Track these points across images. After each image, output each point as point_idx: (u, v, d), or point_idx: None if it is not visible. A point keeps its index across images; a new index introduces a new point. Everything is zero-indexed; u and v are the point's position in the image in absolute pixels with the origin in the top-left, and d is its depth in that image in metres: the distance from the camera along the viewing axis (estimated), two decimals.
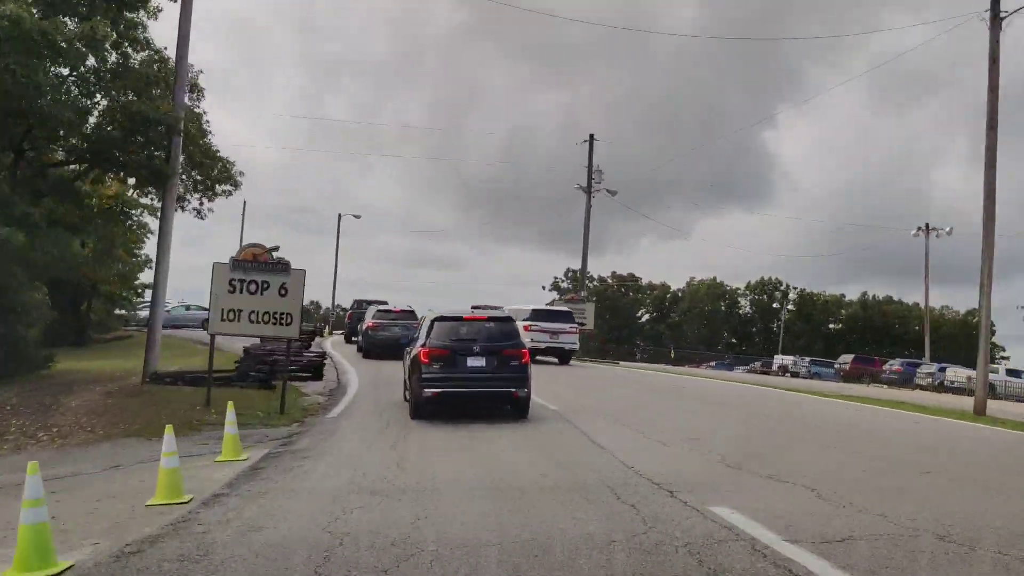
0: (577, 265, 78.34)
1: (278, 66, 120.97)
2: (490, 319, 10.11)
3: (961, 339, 58.13)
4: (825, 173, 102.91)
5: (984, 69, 13.94)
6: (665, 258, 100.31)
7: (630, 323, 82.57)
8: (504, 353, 9.49)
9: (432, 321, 9.98)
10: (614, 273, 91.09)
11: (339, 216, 37.11)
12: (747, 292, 79.48)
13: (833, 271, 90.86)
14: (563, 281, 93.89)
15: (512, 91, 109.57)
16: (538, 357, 20.15)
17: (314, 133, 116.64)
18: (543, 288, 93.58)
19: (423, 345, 9.62)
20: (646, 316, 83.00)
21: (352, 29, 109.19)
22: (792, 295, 78.53)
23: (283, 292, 10.24)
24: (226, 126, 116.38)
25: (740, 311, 79.27)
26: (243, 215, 39.89)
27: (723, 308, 77.28)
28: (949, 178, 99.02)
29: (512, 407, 9.94)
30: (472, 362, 9.33)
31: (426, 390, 9.22)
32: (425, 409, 9.60)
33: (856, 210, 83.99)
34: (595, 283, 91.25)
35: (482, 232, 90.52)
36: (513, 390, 9.39)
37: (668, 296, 79.75)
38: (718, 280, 79.47)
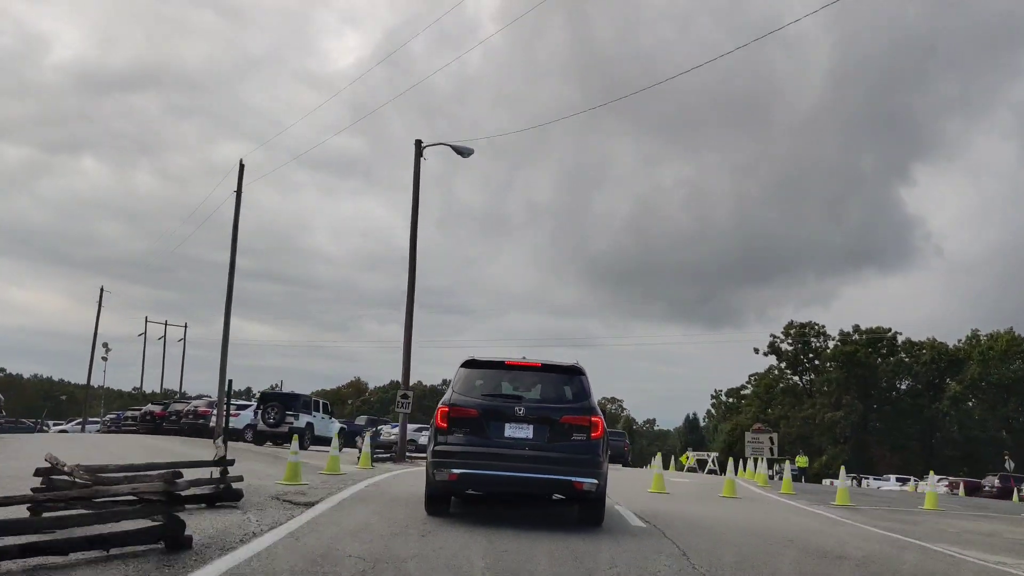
0: (815, 312, 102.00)
1: (406, 150, 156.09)
2: (547, 369, 9.17)
3: None
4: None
5: None
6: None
7: (890, 398, 78.02)
8: (563, 421, 8.56)
9: (460, 368, 9.26)
10: (858, 327, 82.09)
11: (418, 144, 24.54)
12: None
13: None
14: (782, 340, 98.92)
15: (637, 164, 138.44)
16: None
17: (444, 215, 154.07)
18: (756, 352, 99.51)
19: (444, 402, 8.85)
20: (906, 386, 79.48)
21: (475, 111, 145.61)
22: None
23: None
24: (363, 210, 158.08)
25: None
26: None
27: None
28: None
29: (579, 508, 9.08)
30: (512, 431, 8.50)
31: (443, 469, 8.43)
32: (440, 499, 8.97)
33: None
34: (834, 340, 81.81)
35: (613, 307, 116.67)
36: (574, 479, 8.36)
37: (943, 358, 76.96)
38: (1016, 333, 75.18)
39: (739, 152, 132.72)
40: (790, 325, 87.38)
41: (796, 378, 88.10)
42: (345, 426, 31.40)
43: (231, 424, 32.87)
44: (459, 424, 8.66)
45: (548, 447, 8.52)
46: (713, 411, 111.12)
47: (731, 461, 18.14)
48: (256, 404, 29.23)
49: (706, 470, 40.53)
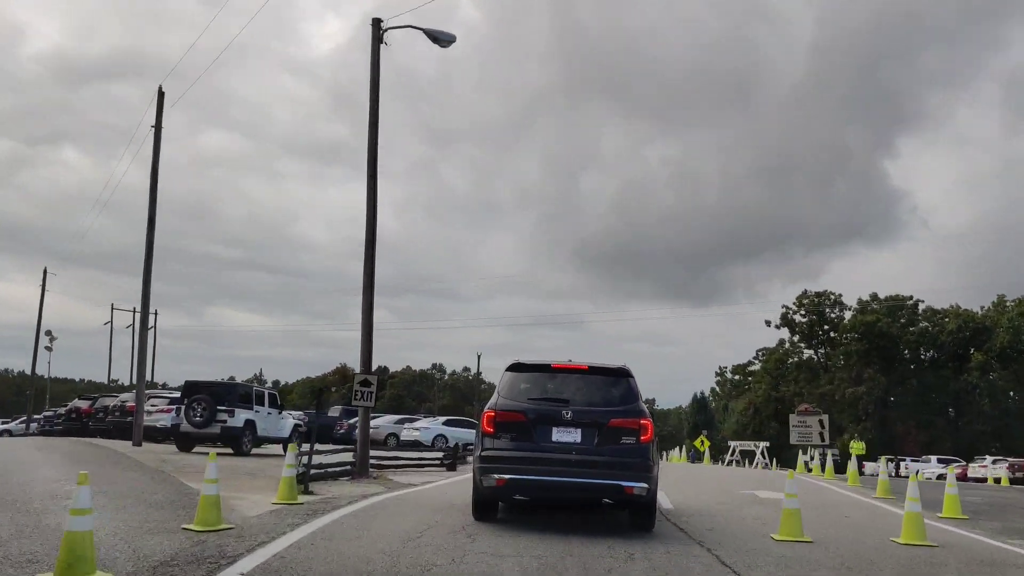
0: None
1: (392, 137, 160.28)
2: (593, 371, 8.92)
3: None
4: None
5: None
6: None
7: (914, 371, 72.06)
8: (611, 425, 8.34)
9: (506, 372, 9.10)
10: (875, 295, 76.49)
11: (376, 25, 18.19)
12: None
13: None
14: (794, 311, 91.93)
15: (622, 145, 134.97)
16: None
17: (432, 201, 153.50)
18: (768, 324, 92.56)
19: (490, 407, 8.72)
20: (929, 357, 73.16)
21: (459, 97, 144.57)
22: None
23: None
24: (350, 197, 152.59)
25: None
26: None
27: None
28: None
29: (629, 513, 8.92)
30: (559, 435, 8.30)
31: (490, 475, 8.30)
32: (488, 505, 8.87)
33: None
34: (851, 309, 75.57)
35: (603, 289, 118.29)
36: (624, 483, 8.11)
37: (969, 326, 70.60)
38: None
39: (725, 130, 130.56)
40: (803, 295, 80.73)
41: (810, 352, 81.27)
42: (301, 423, 24.34)
43: (161, 423, 25.70)
44: (506, 429, 8.49)
45: (596, 451, 8.32)
46: (718, 389, 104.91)
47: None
48: (179, 398, 22.15)
49: (755, 464, 33.67)
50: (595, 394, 8.76)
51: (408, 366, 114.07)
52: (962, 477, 43.52)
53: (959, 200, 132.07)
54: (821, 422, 32.21)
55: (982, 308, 77.19)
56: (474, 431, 35.96)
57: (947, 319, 75.00)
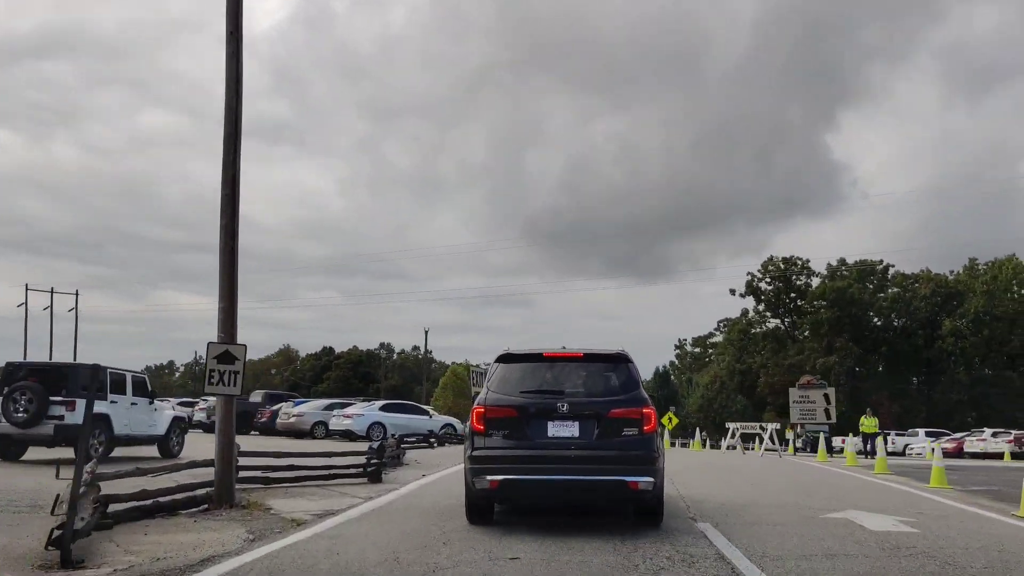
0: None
1: (334, 114, 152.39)
2: (589, 358, 8.37)
3: None
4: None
5: None
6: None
7: (887, 339, 68.73)
8: (611, 416, 7.79)
9: (495, 364, 8.57)
10: (843, 260, 73.09)
11: None
12: None
13: None
14: (760, 278, 74.25)
15: (568, 121, 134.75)
16: None
17: (377, 179, 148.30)
18: (732, 293, 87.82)
19: (479, 402, 8.13)
20: (901, 324, 69.94)
21: (402, 72, 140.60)
22: None
23: None
24: (295, 177, 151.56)
25: None
26: None
27: None
28: None
29: (635, 510, 8.30)
30: (556, 429, 7.79)
31: (482, 476, 7.67)
32: (482, 508, 8.21)
33: None
34: (819, 276, 71.88)
35: (552, 265, 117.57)
36: (628, 478, 7.58)
37: (941, 292, 67.35)
38: (1019, 259, 65.92)
39: (670, 104, 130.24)
40: (769, 261, 76.81)
41: (777, 321, 77.41)
42: (188, 416, 18.31)
43: None
44: (497, 426, 7.96)
45: (597, 445, 7.85)
46: (677, 362, 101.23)
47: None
48: None
49: (763, 449, 28.54)
50: (592, 383, 8.30)
51: (355, 346, 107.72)
52: (957, 452, 39.53)
53: (899, 172, 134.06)
54: (826, 396, 27.48)
55: (952, 272, 74.35)
56: (419, 416, 30.67)
57: (918, 283, 71.79)
